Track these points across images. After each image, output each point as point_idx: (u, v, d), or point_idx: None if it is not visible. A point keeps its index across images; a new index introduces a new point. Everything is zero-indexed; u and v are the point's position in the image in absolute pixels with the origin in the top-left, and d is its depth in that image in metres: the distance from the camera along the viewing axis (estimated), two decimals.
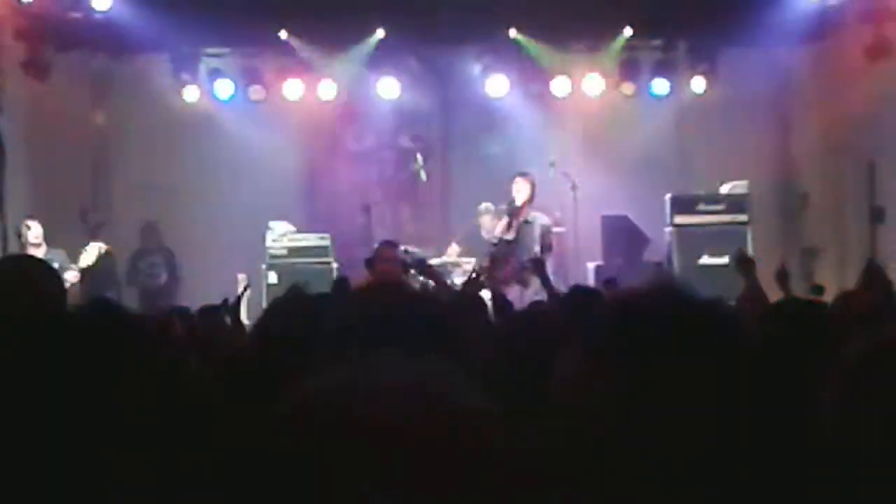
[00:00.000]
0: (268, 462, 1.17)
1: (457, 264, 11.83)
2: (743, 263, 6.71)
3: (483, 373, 2.45)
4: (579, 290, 5.52)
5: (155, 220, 13.62)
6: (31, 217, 10.80)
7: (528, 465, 1.23)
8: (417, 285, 8.22)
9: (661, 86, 14.04)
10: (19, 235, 10.47)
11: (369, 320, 2.30)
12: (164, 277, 13.49)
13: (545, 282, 6.06)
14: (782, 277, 6.90)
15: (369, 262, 8.25)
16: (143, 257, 13.53)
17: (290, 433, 1.18)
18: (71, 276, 10.05)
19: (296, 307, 3.22)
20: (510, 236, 10.83)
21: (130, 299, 12.61)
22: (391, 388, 1.19)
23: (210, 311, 6.73)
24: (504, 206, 11.22)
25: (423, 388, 1.20)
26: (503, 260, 8.75)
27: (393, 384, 1.19)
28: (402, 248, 8.56)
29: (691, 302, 1.97)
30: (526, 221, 10.88)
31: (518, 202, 10.92)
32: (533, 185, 11.03)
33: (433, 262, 12.30)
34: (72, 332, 2.07)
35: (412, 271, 8.22)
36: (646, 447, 1.78)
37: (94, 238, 11.46)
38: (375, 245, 12.57)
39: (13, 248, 10.65)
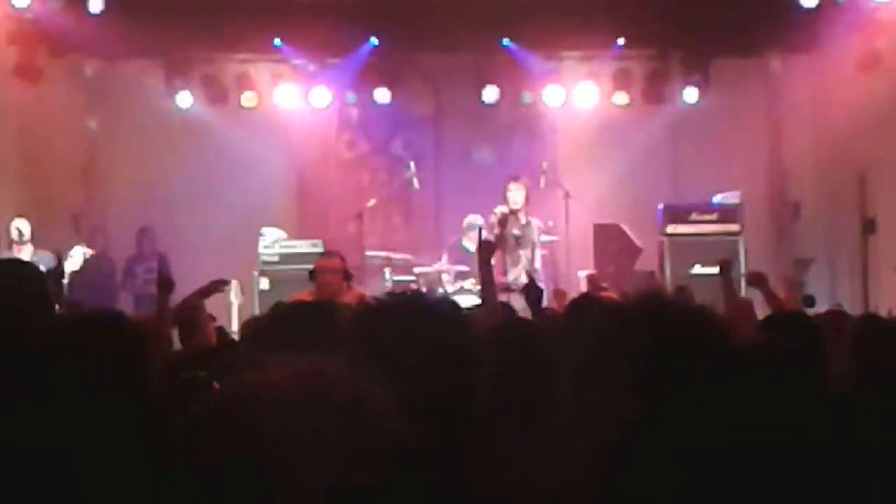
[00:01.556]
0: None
1: (447, 272, 11.99)
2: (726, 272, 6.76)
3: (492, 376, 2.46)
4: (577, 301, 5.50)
5: (150, 226, 13.56)
6: (20, 216, 10.77)
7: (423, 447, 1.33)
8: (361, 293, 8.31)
9: (653, 95, 14.07)
10: (10, 234, 10.45)
11: (383, 330, 2.31)
12: None
13: (534, 306, 6.01)
14: (755, 282, 6.91)
15: (311, 275, 8.33)
16: (139, 263, 13.47)
17: (202, 431, 1.27)
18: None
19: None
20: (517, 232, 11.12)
21: (125, 304, 12.57)
22: (289, 383, 1.29)
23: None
24: (501, 209, 11.35)
25: (318, 380, 1.29)
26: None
27: (292, 380, 1.29)
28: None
29: (678, 309, 2.00)
30: (526, 224, 11.16)
31: (516, 205, 11.16)
32: (527, 189, 11.27)
33: (425, 269, 12.36)
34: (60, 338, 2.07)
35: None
36: (640, 441, 1.81)
37: (89, 243, 11.42)
38: (367, 253, 12.64)
39: (2, 249, 10.63)
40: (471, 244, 12.19)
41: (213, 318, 7.26)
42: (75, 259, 10.29)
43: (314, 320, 3.21)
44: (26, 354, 1.97)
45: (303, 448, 1.19)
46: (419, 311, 2.38)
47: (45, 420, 1.89)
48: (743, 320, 5.66)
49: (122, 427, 1.92)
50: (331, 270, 8.12)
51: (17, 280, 3.43)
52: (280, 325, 3.31)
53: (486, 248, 6.31)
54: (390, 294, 2.59)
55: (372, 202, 12.89)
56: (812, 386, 3.23)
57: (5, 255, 10.19)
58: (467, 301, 8.72)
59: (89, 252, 10.65)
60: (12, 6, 11.86)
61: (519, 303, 9.86)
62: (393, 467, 1.24)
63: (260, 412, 1.22)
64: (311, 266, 12.46)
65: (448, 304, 2.60)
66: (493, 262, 6.26)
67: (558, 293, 10.01)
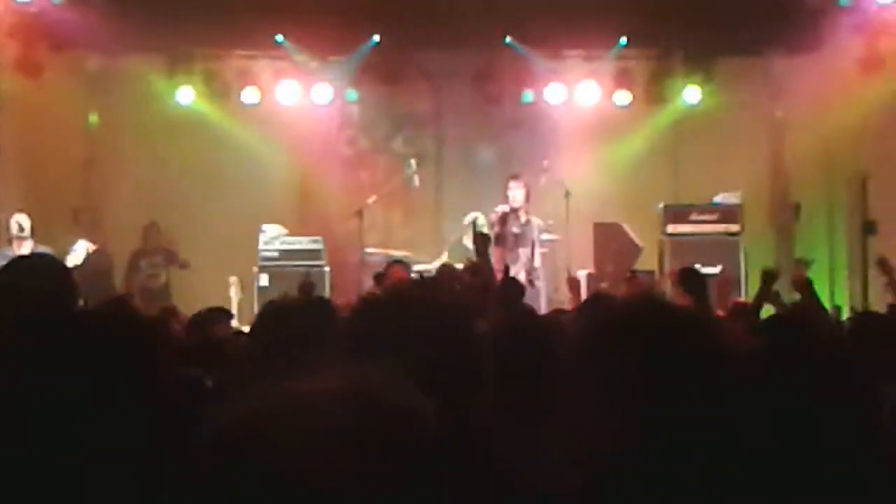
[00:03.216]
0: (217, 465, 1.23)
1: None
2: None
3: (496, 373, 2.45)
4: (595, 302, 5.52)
5: (156, 221, 13.56)
6: (21, 211, 10.76)
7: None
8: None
9: (655, 94, 14.06)
10: (10, 229, 10.44)
11: (383, 328, 2.29)
12: (164, 278, 13.48)
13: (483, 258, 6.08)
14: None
15: (378, 278, 8.34)
16: (144, 257, 13.48)
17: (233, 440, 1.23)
18: None
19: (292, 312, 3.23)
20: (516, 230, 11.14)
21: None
22: (332, 393, 1.24)
23: (208, 313, 6.72)
24: (501, 208, 11.35)
25: (361, 392, 1.25)
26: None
27: (334, 389, 1.25)
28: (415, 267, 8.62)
29: (673, 311, 2.00)
30: (526, 222, 11.17)
31: (517, 204, 11.18)
32: (528, 187, 11.28)
33: (423, 267, 12.34)
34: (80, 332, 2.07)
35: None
36: (635, 441, 1.81)
37: (88, 237, 11.41)
38: (366, 250, 12.62)
39: (2, 244, 10.63)
40: (470, 242, 12.17)
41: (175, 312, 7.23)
42: (78, 253, 10.27)
43: (311, 318, 3.20)
44: (43, 349, 1.97)
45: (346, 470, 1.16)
46: (421, 305, 2.36)
47: (55, 417, 1.88)
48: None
49: (134, 424, 1.91)
50: (400, 279, 8.19)
51: (43, 275, 3.41)
52: (277, 322, 3.29)
53: (481, 240, 6.33)
54: (392, 289, 2.57)
55: (373, 199, 12.89)
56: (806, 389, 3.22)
57: (5, 249, 10.18)
58: None
59: (92, 247, 10.64)
60: (14, 0, 11.85)
61: None
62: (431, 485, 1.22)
63: (302, 431, 1.18)
64: (310, 262, 12.57)
65: (452, 298, 2.59)
66: (491, 255, 6.27)
67: (572, 281, 9.90)
